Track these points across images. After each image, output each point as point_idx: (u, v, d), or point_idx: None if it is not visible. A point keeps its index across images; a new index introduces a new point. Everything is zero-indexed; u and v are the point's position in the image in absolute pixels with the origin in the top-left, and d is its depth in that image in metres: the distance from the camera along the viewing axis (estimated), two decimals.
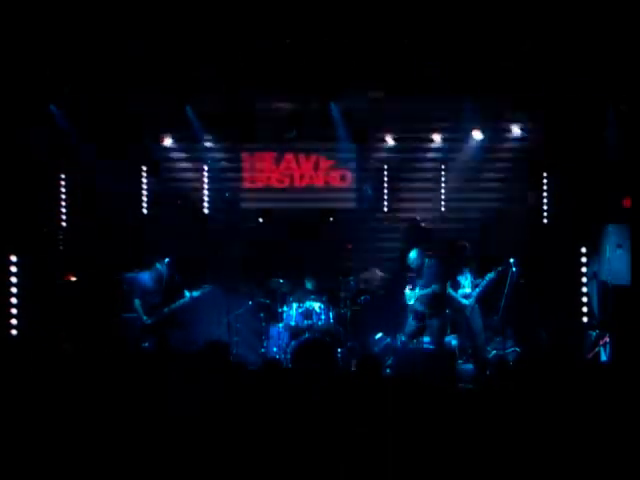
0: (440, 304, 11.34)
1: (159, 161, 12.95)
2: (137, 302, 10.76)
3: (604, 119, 11.51)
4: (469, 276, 11.40)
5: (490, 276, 11.17)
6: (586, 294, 12.03)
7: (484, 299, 11.34)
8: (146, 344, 10.61)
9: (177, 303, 10.79)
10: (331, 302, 11.83)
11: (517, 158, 12.79)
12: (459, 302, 11.30)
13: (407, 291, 11.42)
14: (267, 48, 10.51)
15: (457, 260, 11.41)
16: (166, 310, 10.72)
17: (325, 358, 10.84)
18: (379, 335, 11.99)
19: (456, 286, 11.39)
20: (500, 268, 11.12)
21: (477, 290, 11.27)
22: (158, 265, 10.85)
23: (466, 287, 11.38)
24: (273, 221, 13.14)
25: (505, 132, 12.75)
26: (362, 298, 12.11)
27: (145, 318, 10.68)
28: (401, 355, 10.87)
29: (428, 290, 11.27)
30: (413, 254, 11.44)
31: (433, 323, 11.30)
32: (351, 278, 12.20)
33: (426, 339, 11.25)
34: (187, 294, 10.82)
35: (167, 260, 10.80)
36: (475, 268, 11.40)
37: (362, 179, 13.14)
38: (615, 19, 9.72)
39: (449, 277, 11.41)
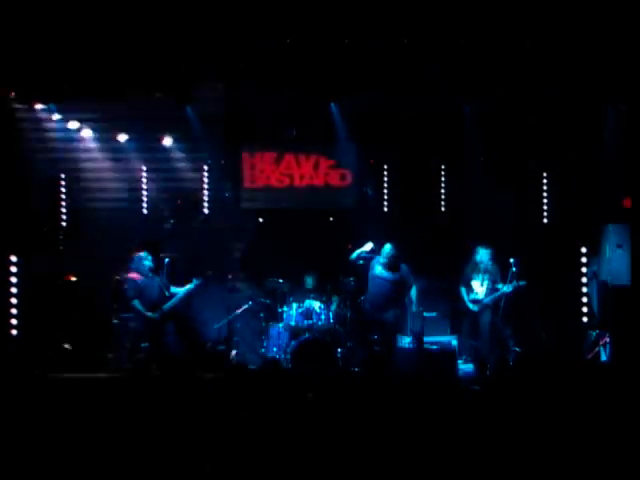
0: None
1: (159, 161, 12.93)
2: (136, 302, 10.71)
3: (603, 119, 11.52)
4: (487, 283, 11.36)
5: (506, 289, 11.13)
6: (586, 294, 12.03)
7: (495, 307, 11.30)
8: (145, 344, 10.61)
9: (173, 299, 10.76)
10: (331, 302, 11.82)
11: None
12: (466, 305, 11.35)
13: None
14: (267, 48, 10.51)
15: None
16: (166, 307, 10.71)
17: (325, 358, 10.85)
18: None
19: (468, 289, 11.39)
20: (520, 283, 11.04)
21: (488, 299, 11.26)
22: (145, 262, 10.80)
23: (479, 294, 11.36)
24: (273, 221, 13.14)
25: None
26: (362, 298, 12.09)
27: (150, 314, 10.59)
28: (401, 355, 10.87)
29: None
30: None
31: None
32: (351, 278, 12.18)
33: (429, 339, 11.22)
34: (178, 290, 10.82)
35: (167, 260, 10.80)
36: (495, 275, 11.35)
37: (362, 179, 13.13)
38: (614, 19, 9.74)
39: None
